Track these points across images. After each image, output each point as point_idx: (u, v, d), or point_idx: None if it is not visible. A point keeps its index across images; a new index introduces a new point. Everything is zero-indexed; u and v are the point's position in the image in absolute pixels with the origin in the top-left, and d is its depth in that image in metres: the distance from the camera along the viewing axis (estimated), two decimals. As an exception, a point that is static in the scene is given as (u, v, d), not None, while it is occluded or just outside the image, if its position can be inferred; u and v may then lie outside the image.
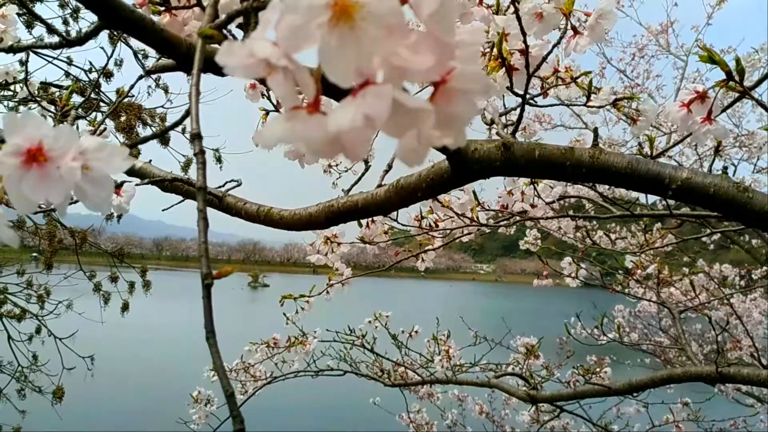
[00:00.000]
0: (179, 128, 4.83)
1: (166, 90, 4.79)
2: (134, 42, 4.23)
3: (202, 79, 0.48)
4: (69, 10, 4.79)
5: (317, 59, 0.31)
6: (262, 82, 1.04)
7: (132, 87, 1.16)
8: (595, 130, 0.90)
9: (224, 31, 0.61)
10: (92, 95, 4.10)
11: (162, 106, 4.68)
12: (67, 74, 4.48)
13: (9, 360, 4.78)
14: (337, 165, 2.42)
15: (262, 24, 0.32)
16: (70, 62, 4.47)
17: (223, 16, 0.48)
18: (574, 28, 0.96)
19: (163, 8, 0.79)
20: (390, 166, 1.24)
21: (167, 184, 1.10)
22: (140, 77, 1.28)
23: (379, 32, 0.30)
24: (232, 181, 1.30)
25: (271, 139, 0.32)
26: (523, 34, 0.91)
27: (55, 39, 0.70)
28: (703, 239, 5.41)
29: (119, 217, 4.30)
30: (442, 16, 0.32)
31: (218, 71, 0.74)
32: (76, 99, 4.09)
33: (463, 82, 0.34)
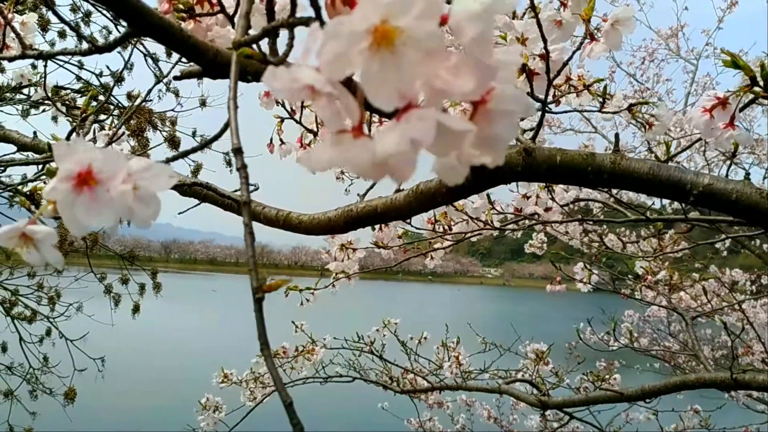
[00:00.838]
0: (189, 133, 4.86)
1: (176, 94, 4.81)
2: (147, 46, 4.26)
3: (209, 83, 0.48)
4: (80, 15, 4.83)
5: (360, 83, 0.32)
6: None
7: (149, 92, 1.16)
8: (616, 136, 0.90)
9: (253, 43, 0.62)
10: (102, 98, 4.13)
11: (172, 110, 4.70)
12: (78, 78, 4.51)
13: (20, 362, 4.80)
14: (348, 173, 2.43)
15: (304, 51, 0.32)
16: (81, 66, 4.50)
17: (258, 30, 0.49)
18: (591, 34, 0.97)
19: (187, 15, 0.80)
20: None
21: (187, 189, 1.11)
22: (157, 81, 1.29)
23: (419, 56, 0.31)
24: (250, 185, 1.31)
25: (320, 163, 0.33)
26: (544, 40, 0.91)
27: (81, 45, 0.71)
28: (716, 245, 5.39)
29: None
30: (483, 40, 0.32)
31: (244, 78, 0.75)
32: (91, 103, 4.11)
33: (503, 103, 0.35)
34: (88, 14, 4.84)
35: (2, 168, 1.25)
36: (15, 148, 1.34)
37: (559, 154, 0.88)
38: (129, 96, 4.48)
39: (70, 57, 3.71)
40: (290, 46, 0.48)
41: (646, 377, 6.07)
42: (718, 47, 5.79)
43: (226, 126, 0.50)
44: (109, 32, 4.83)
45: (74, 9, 4.81)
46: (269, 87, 0.34)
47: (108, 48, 0.66)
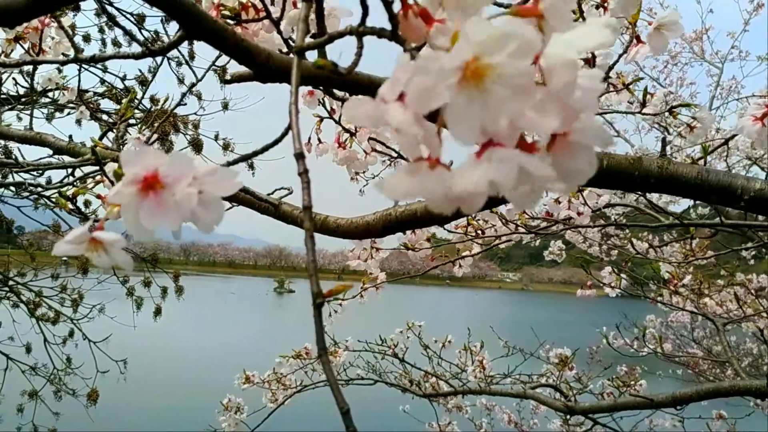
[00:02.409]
0: (212, 136, 4.89)
1: (199, 97, 4.84)
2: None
3: (231, 86, 0.48)
4: (104, 19, 4.87)
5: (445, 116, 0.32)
6: (327, 89, 1.03)
7: (184, 96, 1.17)
8: (663, 140, 0.89)
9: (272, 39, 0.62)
10: (130, 103, 4.16)
11: (195, 113, 4.73)
12: (102, 81, 4.56)
13: (44, 362, 4.85)
14: (364, 172, 2.43)
15: (391, 82, 0.32)
16: (104, 69, 4.55)
17: (324, 36, 0.48)
18: (637, 37, 0.96)
19: (234, 22, 0.80)
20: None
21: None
22: (192, 84, 1.29)
23: (508, 93, 0.31)
24: (282, 188, 1.31)
25: (396, 192, 0.34)
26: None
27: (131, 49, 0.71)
28: (742, 252, 5.32)
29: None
30: (572, 84, 0.32)
31: (289, 80, 0.75)
32: (113, 107, 4.14)
33: (585, 137, 0.35)
34: (112, 18, 4.89)
35: (40, 171, 1.26)
36: (51, 152, 1.35)
37: (606, 158, 0.87)
38: (152, 100, 4.51)
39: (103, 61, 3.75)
40: (359, 55, 0.48)
41: (667, 383, 6.02)
42: (743, 50, 5.73)
43: (287, 130, 0.49)
44: (133, 37, 4.87)
45: (98, 14, 4.86)
46: (348, 113, 0.34)
47: (162, 51, 0.66)
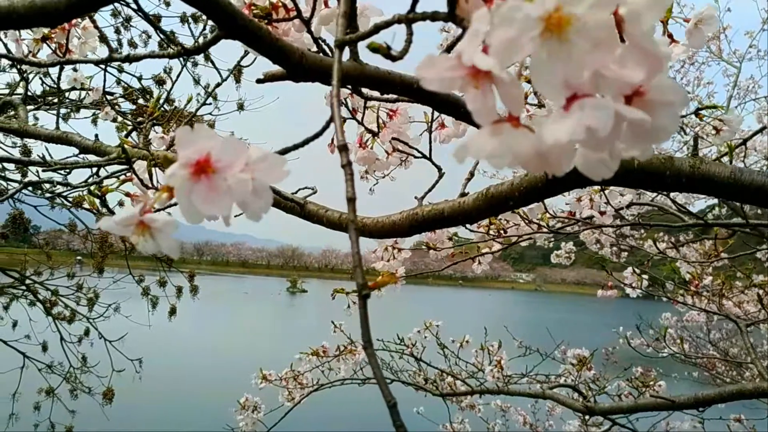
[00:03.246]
0: (227, 136, 4.90)
1: (215, 97, 4.85)
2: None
3: (246, 86, 0.48)
4: (121, 19, 4.90)
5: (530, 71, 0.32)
6: (356, 88, 1.03)
7: (209, 95, 1.17)
8: (695, 140, 0.88)
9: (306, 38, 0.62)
10: (143, 101, 4.19)
11: (210, 114, 4.75)
12: (118, 81, 4.58)
13: (60, 360, 4.88)
14: (374, 171, 2.43)
15: (471, 35, 0.32)
16: (121, 70, 4.56)
17: (369, 26, 0.48)
18: (671, 35, 0.95)
19: (265, 21, 0.80)
20: (472, 174, 1.23)
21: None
22: (217, 84, 1.29)
23: (589, 45, 0.30)
24: (306, 188, 1.31)
25: (481, 152, 0.33)
26: (622, 40, 0.89)
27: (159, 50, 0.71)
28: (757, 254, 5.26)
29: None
30: (653, 30, 0.32)
31: (325, 80, 0.75)
32: (130, 107, 4.16)
33: (664, 94, 0.34)
34: (128, 19, 4.92)
35: (68, 170, 1.27)
36: (77, 151, 1.36)
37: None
38: (168, 100, 4.53)
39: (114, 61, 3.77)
40: (409, 42, 0.47)
41: (684, 385, 5.98)
42: (762, 49, 5.66)
43: (329, 123, 0.50)
44: (149, 36, 4.90)
45: (115, 14, 4.89)
46: (420, 76, 0.33)
47: (197, 51, 0.66)
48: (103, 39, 0.68)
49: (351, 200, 0.42)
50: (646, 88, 0.33)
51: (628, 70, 0.31)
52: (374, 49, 0.46)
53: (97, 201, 1.01)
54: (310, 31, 0.83)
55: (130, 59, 0.66)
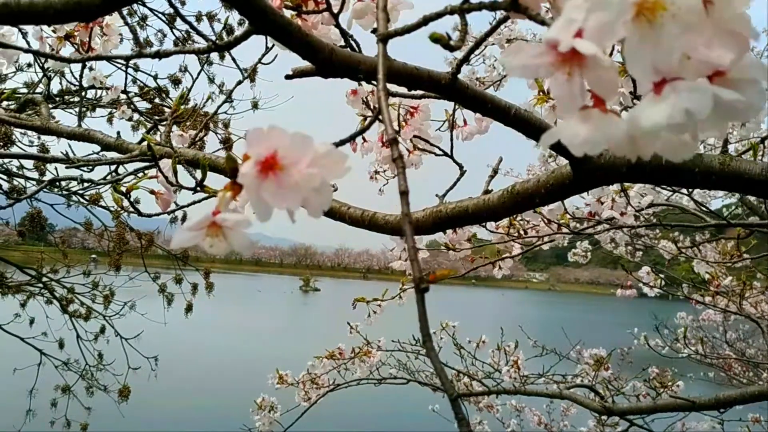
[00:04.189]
0: (242, 134, 4.91)
1: (229, 96, 4.86)
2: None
3: (260, 85, 0.48)
4: (137, 18, 4.92)
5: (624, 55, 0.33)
6: (367, 79, 1.03)
7: (230, 93, 1.17)
8: (725, 137, 0.87)
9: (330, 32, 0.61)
10: (158, 101, 4.21)
11: (225, 113, 4.76)
12: (134, 80, 4.60)
13: (76, 358, 4.92)
14: (384, 171, 2.42)
15: (564, 23, 0.32)
16: (136, 68, 4.58)
17: (415, 20, 0.48)
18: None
19: (294, 13, 0.80)
20: (495, 172, 1.23)
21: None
22: (238, 82, 1.29)
23: (679, 29, 0.31)
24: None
25: (575, 138, 0.34)
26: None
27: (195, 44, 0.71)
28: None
29: (183, 219, 4.39)
30: (744, 13, 0.32)
31: (355, 76, 0.74)
32: (145, 105, 4.18)
33: (747, 72, 0.34)
34: (144, 18, 4.94)
35: (90, 168, 1.28)
36: (99, 148, 1.36)
37: (666, 154, 0.85)
38: (182, 97, 4.54)
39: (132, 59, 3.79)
40: (464, 32, 0.47)
41: (700, 386, 5.93)
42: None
43: (376, 117, 0.49)
44: (164, 35, 4.91)
45: (130, 13, 4.91)
46: (506, 62, 0.34)
47: (228, 46, 0.66)
48: (135, 36, 0.67)
49: (404, 193, 0.42)
50: (728, 67, 0.34)
51: (717, 52, 0.32)
52: (435, 39, 0.46)
53: (122, 198, 1.01)
54: (338, 25, 0.83)
55: (160, 55, 0.66)
